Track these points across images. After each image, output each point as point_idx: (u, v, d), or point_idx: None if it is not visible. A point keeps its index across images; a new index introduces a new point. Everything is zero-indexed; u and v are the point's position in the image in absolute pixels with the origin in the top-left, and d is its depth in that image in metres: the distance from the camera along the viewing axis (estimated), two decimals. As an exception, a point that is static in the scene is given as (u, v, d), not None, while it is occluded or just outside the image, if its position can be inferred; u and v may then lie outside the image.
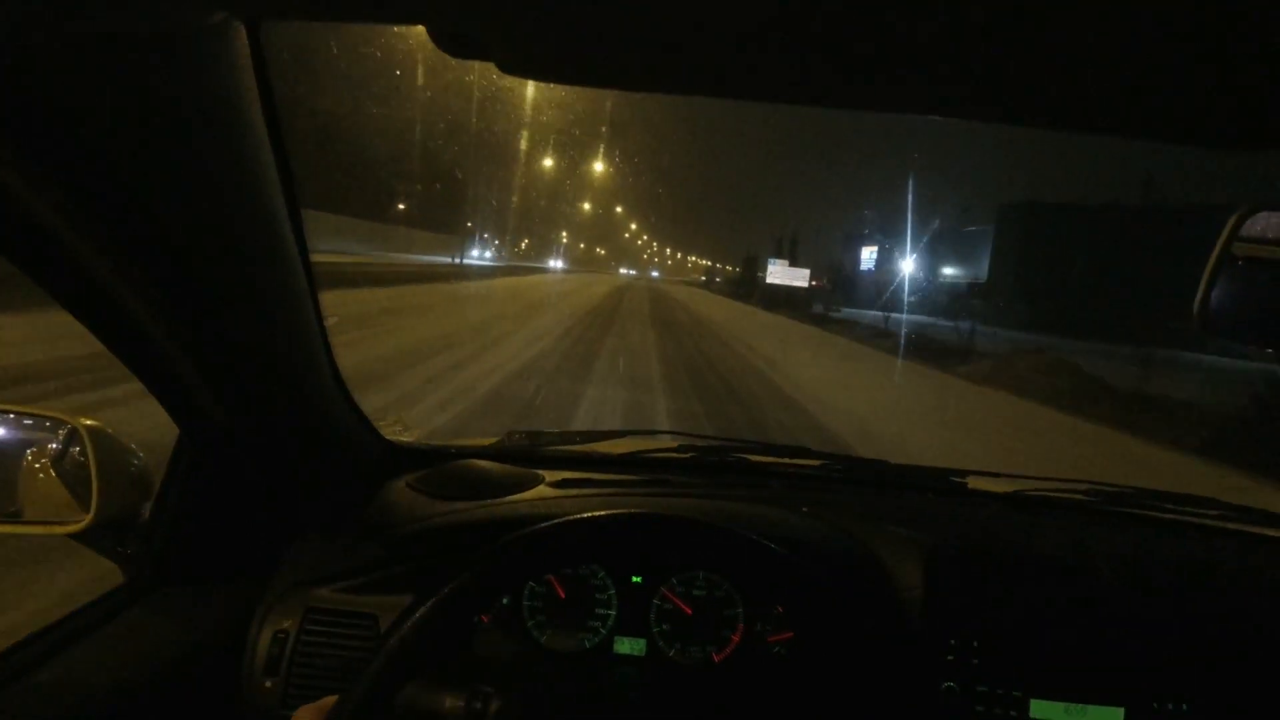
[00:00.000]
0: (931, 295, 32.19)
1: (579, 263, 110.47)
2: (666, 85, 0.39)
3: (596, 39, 0.35)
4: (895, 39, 0.32)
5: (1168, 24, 0.30)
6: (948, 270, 40.05)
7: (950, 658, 0.82)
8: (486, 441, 1.19)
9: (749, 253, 51.96)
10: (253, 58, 0.54)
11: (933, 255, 39.27)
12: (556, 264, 78.16)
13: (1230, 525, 1.06)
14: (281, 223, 0.66)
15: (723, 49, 0.35)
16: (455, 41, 0.36)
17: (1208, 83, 0.33)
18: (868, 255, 43.12)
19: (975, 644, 0.82)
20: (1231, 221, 0.53)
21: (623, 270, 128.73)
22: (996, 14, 0.30)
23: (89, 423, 0.78)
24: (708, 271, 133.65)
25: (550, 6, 0.32)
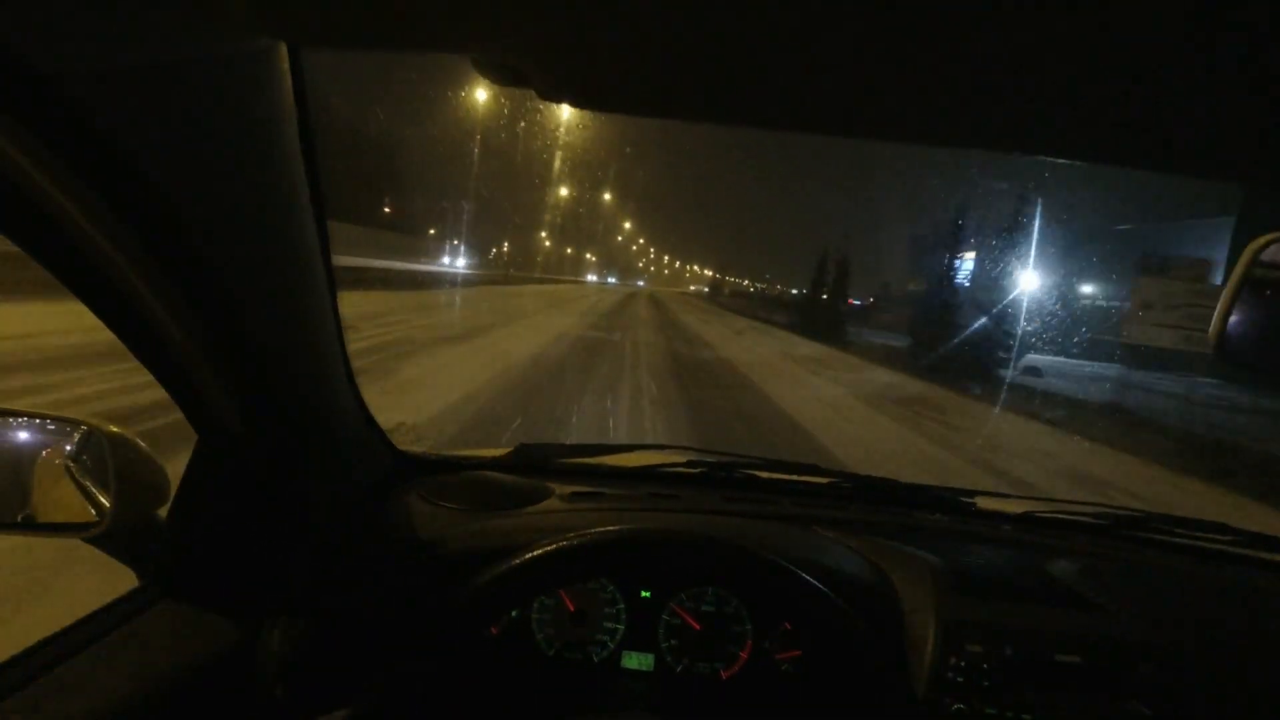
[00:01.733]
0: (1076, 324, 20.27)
1: (541, 268, 76.34)
2: (701, 114, 0.40)
3: (632, 70, 0.36)
4: (927, 72, 0.33)
5: (1168, 56, 0.30)
6: (1087, 289, 26.14)
7: (959, 679, 0.81)
8: (498, 453, 1.19)
9: (824, 257, 29.30)
10: (293, 77, 0.56)
11: (1066, 266, 24.05)
12: (456, 262, 46.72)
13: (1240, 550, 1.06)
14: (309, 235, 0.67)
15: (751, 80, 0.36)
16: (498, 70, 0.37)
17: (1213, 116, 0.34)
18: (960, 266, 25.79)
19: (985, 666, 0.81)
20: (1249, 250, 0.53)
21: (592, 278, 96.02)
22: (1019, 55, 0.30)
23: (107, 427, 0.78)
24: (712, 283, 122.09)
25: (589, 40, 0.33)
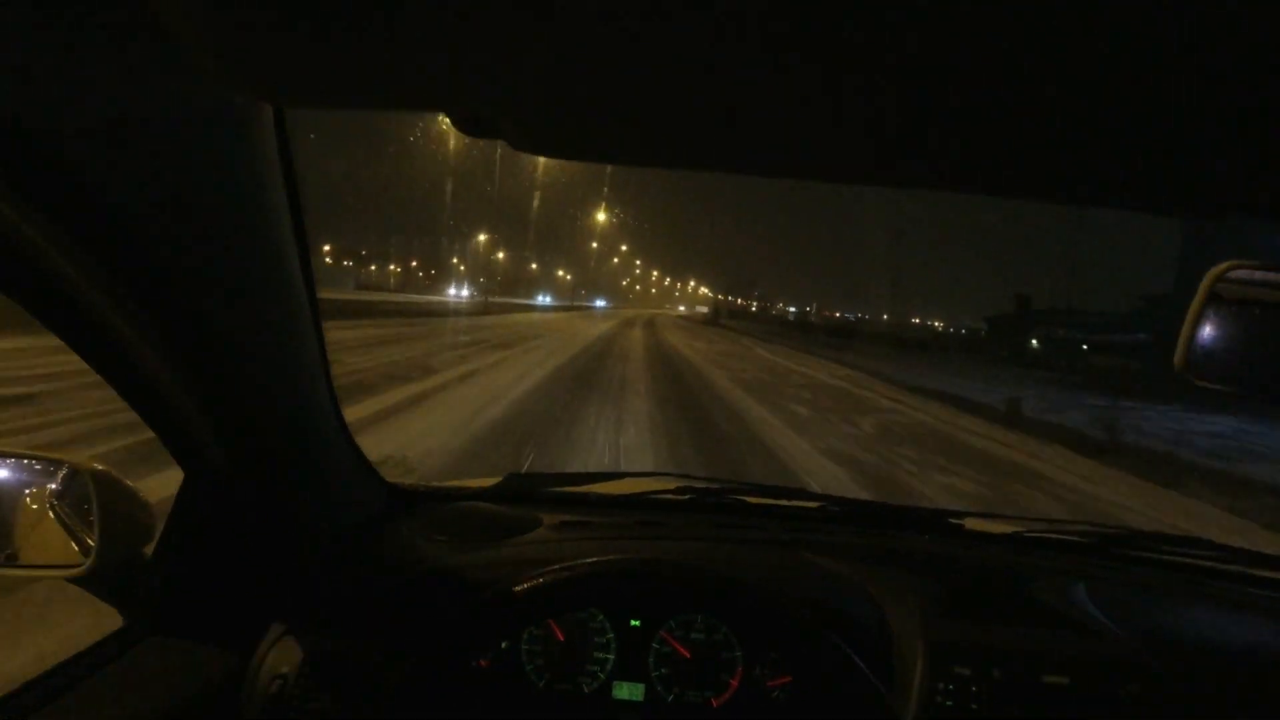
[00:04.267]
0: None
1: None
2: (674, 162, 0.42)
3: (599, 122, 0.37)
4: (902, 118, 0.34)
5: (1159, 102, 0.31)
6: None
7: (948, 703, 0.81)
8: (487, 483, 1.19)
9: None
10: (277, 133, 0.60)
11: None
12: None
13: (1226, 566, 1.06)
14: (294, 277, 0.69)
15: (726, 128, 0.37)
16: (471, 123, 0.38)
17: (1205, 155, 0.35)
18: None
19: (973, 689, 0.81)
20: (1210, 275, 0.55)
21: (453, 293, 57.87)
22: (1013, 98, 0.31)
23: (93, 466, 0.78)
24: (714, 305, 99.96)
25: (557, 95, 0.34)
